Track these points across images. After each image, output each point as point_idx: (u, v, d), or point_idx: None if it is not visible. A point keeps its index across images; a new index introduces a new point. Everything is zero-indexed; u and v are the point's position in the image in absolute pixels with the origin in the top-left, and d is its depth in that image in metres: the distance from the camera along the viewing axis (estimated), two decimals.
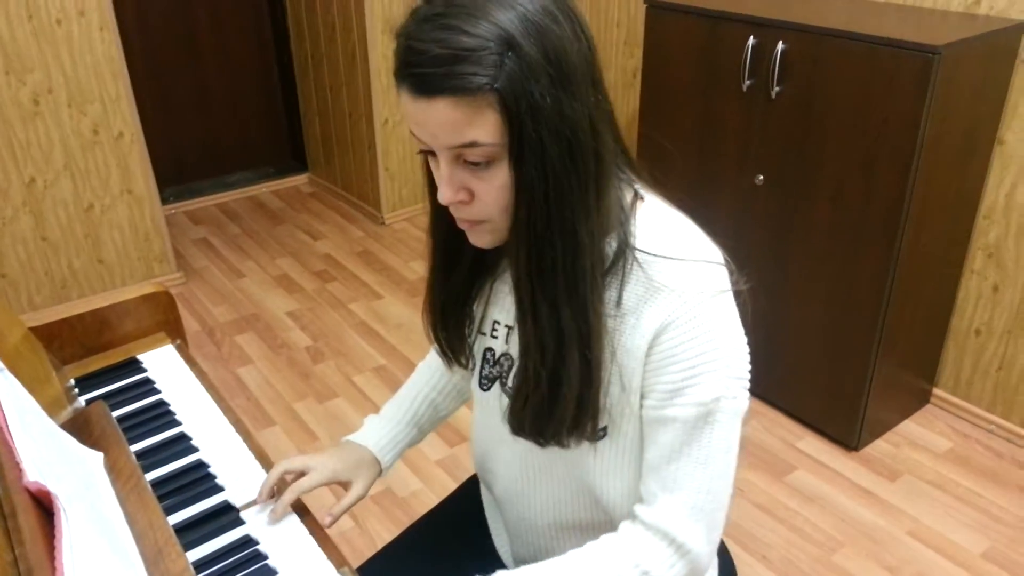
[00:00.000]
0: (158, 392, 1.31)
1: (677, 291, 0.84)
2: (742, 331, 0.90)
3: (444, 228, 0.94)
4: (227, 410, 1.27)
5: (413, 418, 1.19)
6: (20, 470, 0.67)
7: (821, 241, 2.13)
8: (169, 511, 1.05)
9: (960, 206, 2.14)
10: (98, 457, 0.95)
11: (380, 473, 1.14)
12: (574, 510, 1.04)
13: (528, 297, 0.85)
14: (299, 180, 4.24)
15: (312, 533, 1.04)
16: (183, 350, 1.43)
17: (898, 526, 2.07)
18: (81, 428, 1.01)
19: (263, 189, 4.14)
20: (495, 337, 1.01)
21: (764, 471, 2.26)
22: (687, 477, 0.87)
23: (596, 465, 0.96)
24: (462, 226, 0.88)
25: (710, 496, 0.88)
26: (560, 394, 0.88)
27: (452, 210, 0.86)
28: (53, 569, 0.57)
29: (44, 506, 0.67)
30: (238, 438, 1.21)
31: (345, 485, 1.11)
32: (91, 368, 1.36)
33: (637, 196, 0.91)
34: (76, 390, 1.31)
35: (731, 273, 0.90)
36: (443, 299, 1.01)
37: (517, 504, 1.09)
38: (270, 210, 3.95)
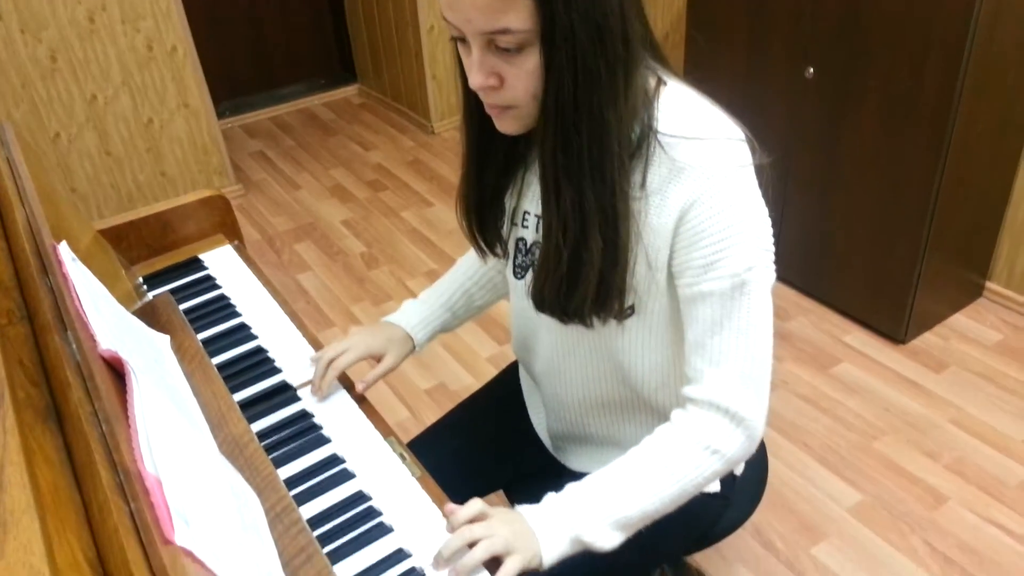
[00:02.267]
0: (219, 288, 1.40)
1: (700, 169, 0.87)
2: (764, 205, 0.92)
3: (477, 118, 0.97)
4: (282, 303, 1.36)
5: (447, 303, 1.26)
6: (94, 340, 0.75)
7: (871, 133, 2.10)
8: (231, 391, 1.15)
9: (1016, 95, 2.07)
10: (165, 339, 1.04)
11: (413, 349, 1.22)
12: (604, 388, 1.10)
13: (553, 180, 0.89)
14: (349, 91, 4.27)
15: (361, 407, 1.13)
16: (241, 250, 1.52)
17: (941, 415, 2.09)
18: (149, 316, 1.10)
19: (315, 101, 4.19)
20: (526, 227, 1.05)
21: (809, 364, 2.29)
22: (731, 347, 0.91)
23: (624, 342, 1.01)
24: (490, 112, 0.91)
25: (755, 363, 0.92)
26: (581, 273, 0.92)
27: (481, 95, 0.90)
28: (127, 418, 0.66)
29: (116, 372, 0.76)
30: (292, 326, 1.30)
31: (379, 358, 1.18)
32: (157, 267, 1.46)
33: (660, 81, 0.93)
34: (144, 287, 1.41)
35: (753, 150, 0.92)
36: (476, 190, 1.05)
37: (553, 382, 1.15)
38: (322, 122, 4.01)
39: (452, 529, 0.90)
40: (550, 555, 0.90)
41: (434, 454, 1.25)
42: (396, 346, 1.20)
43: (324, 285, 2.78)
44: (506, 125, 0.91)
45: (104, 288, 0.95)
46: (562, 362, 1.11)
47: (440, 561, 0.88)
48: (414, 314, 1.24)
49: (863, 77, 2.04)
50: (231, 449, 0.88)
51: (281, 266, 2.90)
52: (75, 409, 0.67)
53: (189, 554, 0.57)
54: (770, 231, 0.92)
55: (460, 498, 1.27)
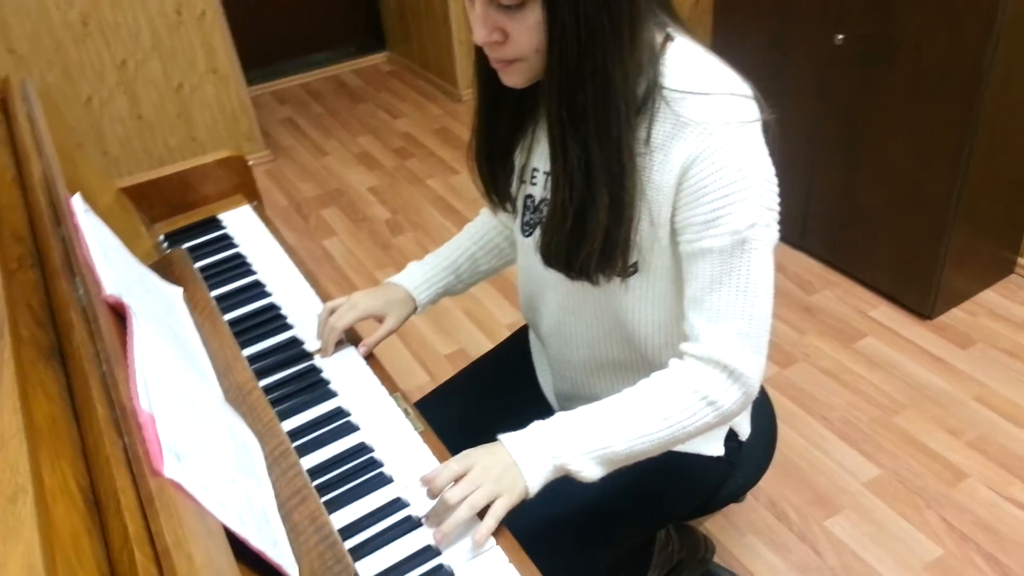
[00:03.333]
0: (236, 246, 1.42)
1: (703, 124, 0.87)
2: (771, 163, 0.91)
3: (485, 73, 0.97)
4: (298, 262, 1.37)
5: (451, 265, 1.26)
6: (100, 286, 0.77)
7: (900, 101, 2.05)
8: (244, 345, 1.18)
9: None
10: (178, 291, 1.07)
11: (415, 310, 1.23)
12: (608, 348, 1.10)
13: (560, 136, 0.89)
14: (378, 59, 4.28)
15: (368, 363, 1.14)
16: (259, 210, 1.54)
17: (965, 392, 2.06)
18: (164, 270, 1.13)
19: (344, 69, 4.21)
20: (534, 184, 1.06)
21: (832, 338, 2.26)
22: (729, 305, 0.91)
23: (628, 301, 1.02)
24: (496, 66, 0.91)
25: (753, 321, 0.92)
26: (587, 229, 0.92)
27: (487, 50, 0.90)
28: (127, 359, 0.68)
29: (121, 317, 0.78)
30: (307, 284, 1.31)
31: (380, 319, 1.20)
32: (177, 226, 1.49)
33: (668, 37, 0.92)
34: (164, 244, 1.44)
35: (760, 108, 0.91)
36: (487, 144, 1.06)
37: (558, 342, 1.16)
38: (351, 89, 4.02)
39: (433, 496, 0.91)
40: (534, 482, 0.91)
41: (441, 413, 1.26)
42: (397, 307, 1.21)
43: (349, 251, 2.81)
44: (511, 79, 0.92)
45: (118, 240, 0.98)
46: (567, 322, 1.12)
47: (431, 522, 0.90)
48: (417, 275, 1.25)
49: (893, 43, 1.99)
50: (235, 396, 0.90)
51: (308, 231, 2.94)
52: (77, 349, 0.69)
53: (178, 486, 0.59)
54: (774, 189, 0.91)
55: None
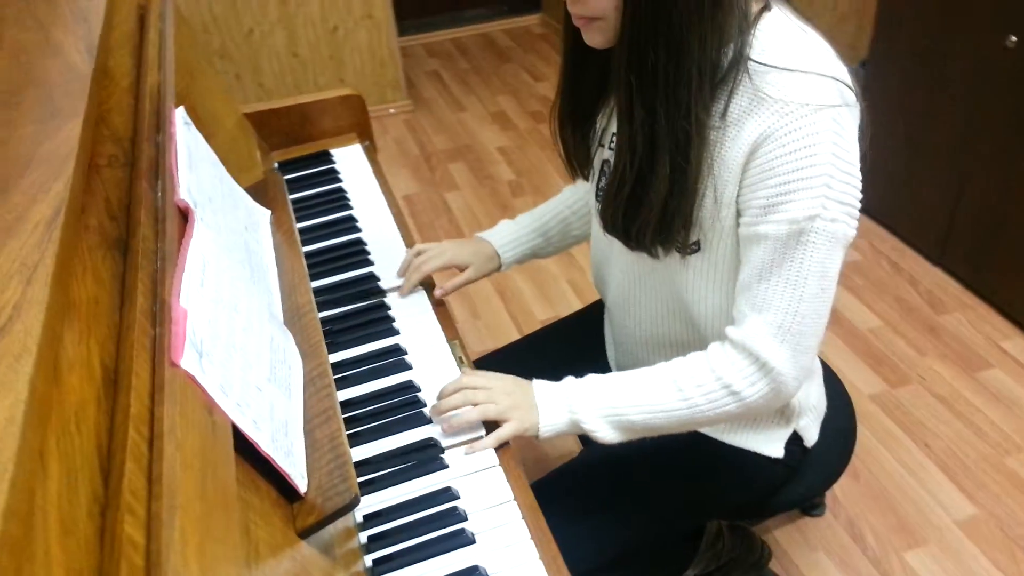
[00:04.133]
0: (340, 181, 1.48)
1: (780, 102, 0.82)
2: (855, 155, 0.86)
3: (572, 33, 0.96)
4: (392, 204, 1.41)
5: (541, 227, 1.26)
6: (175, 191, 0.82)
7: None
8: (326, 275, 1.23)
9: None
10: (266, 213, 1.12)
11: (499, 268, 1.24)
12: (669, 326, 1.07)
13: (626, 98, 0.87)
14: (531, 20, 4.28)
15: (435, 310, 1.16)
16: (369, 150, 1.59)
17: None
18: (260, 192, 1.19)
19: (496, 27, 4.24)
20: (612, 149, 1.03)
21: (954, 363, 2.10)
22: (775, 296, 0.88)
23: (689, 280, 0.98)
24: (577, 24, 0.90)
25: (798, 318, 0.88)
26: (645, 199, 0.90)
27: (569, 7, 0.89)
28: (179, 258, 0.72)
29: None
30: (395, 227, 1.35)
31: (462, 269, 1.21)
32: (291, 155, 1.56)
33: (766, 7, 0.87)
34: (276, 170, 1.51)
35: (850, 95, 0.85)
36: (570, 106, 1.05)
37: (622, 315, 1.14)
38: (499, 48, 4.05)
39: (455, 389, 0.96)
40: (547, 428, 0.96)
41: (501, 371, 1.27)
42: (481, 261, 1.22)
43: (468, 206, 2.85)
44: (592, 37, 0.90)
45: (214, 156, 1.03)
46: (631, 294, 1.10)
47: (436, 412, 0.97)
48: (506, 234, 1.25)
49: None
50: (291, 316, 0.94)
51: (432, 182, 3.00)
52: (139, 244, 0.74)
53: (192, 379, 0.63)
54: (852, 183, 0.85)
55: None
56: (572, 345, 1.32)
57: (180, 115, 0.98)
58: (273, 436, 0.72)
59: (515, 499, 0.89)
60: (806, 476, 1.19)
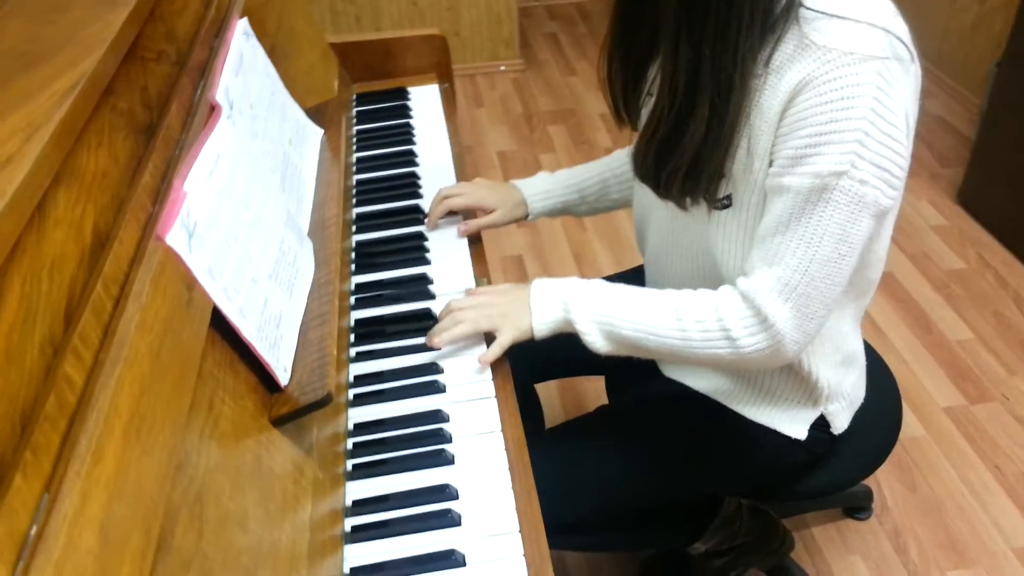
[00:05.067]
0: (410, 117, 1.50)
1: (823, 49, 0.79)
2: (900, 116, 0.80)
3: None
4: (455, 144, 1.43)
5: (578, 184, 1.24)
6: (213, 90, 0.87)
7: None
8: (376, 201, 1.26)
9: None
10: (318, 132, 1.16)
11: (526, 216, 1.23)
12: (697, 286, 1.04)
13: (673, 35, 0.85)
14: None
15: (471, 247, 1.18)
16: (446, 92, 1.61)
17: None
18: (323, 112, 1.23)
19: None
20: None
21: None
22: (788, 251, 0.85)
23: (718, 237, 0.96)
24: None
25: (806, 278, 0.85)
26: (680, 142, 0.88)
27: None
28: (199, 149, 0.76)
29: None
30: (452, 167, 1.36)
31: (488, 211, 1.21)
32: (370, 88, 1.60)
33: None
34: (354, 100, 1.55)
35: (904, 51, 0.80)
36: (622, 51, 1.02)
37: (654, 273, 1.12)
38: None
39: (445, 312, 0.98)
40: (540, 326, 0.97)
41: None
42: (508, 206, 1.22)
43: (560, 168, 2.84)
44: None
45: (272, 70, 1.07)
46: (664, 252, 1.08)
47: (429, 337, 0.99)
48: (539, 184, 1.25)
49: None
50: (316, 227, 0.97)
51: (529, 141, 3.01)
52: (163, 131, 0.78)
53: (175, 255, 0.66)
54: (894, 147, 0.80)
55: (539, 373, 1.31)
56: None
57: (241, 25, 1.02)
58: (260, 327, 0.76)
59: (502, 430, 0.89)
60: (832, 465, 1.14)
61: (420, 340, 1.00)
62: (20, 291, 0.54)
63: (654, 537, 1.28)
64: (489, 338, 0.99)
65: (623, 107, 1.06)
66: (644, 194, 1.06)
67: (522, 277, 2.33)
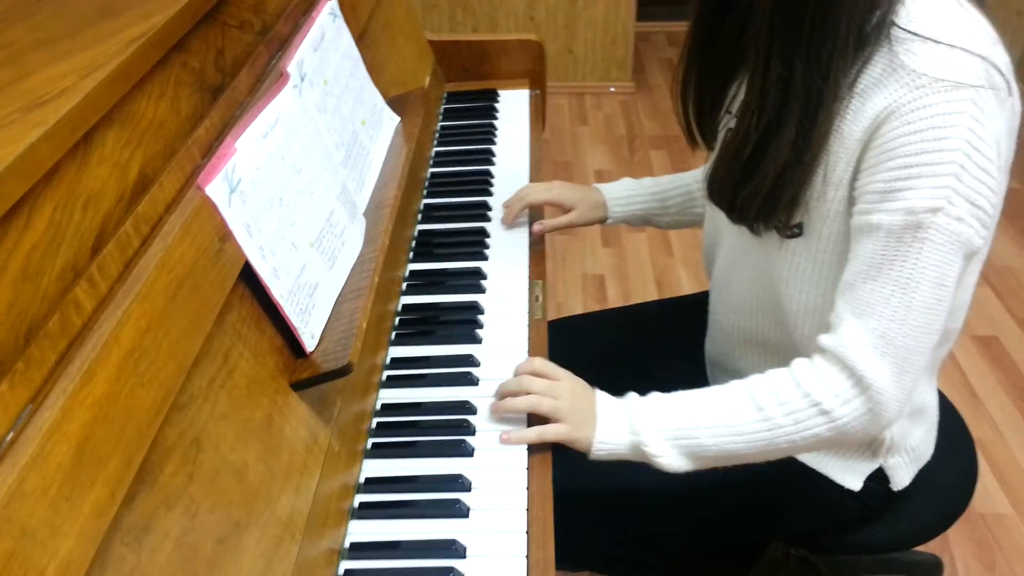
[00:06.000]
0: (495, 118, 1.51)
1: (914, 73, 0.74)
2: (994, 151, 0.75)
3: None
4: (535, 151, 1.42)
5: (661, 193, 1.21)
6: (287, 60, 0.89)
7: None
8: (438, 195, 1.27)
9: None
10: (394, 119, 1.17)
11: (604, 220, 1.21)
12: (757, 322, 1.00)
13: (765, 49, 0.81)
14: None
15: (531, 249, 1.16)
16: (535, 99, 1.60)
17: None
18: (406, 102, 1.24)
19: None
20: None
21: None
22: (881, 299, 0.79)
23: (785, 265, 0.91)
24: None
25: (904, 328, 0.78)
26: (762, 163, 0.84)
27: None
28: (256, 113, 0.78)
29: None
30: (528, 170, 1.35)
31: (566, 209, 1.19)
32: (462, 88, 1.61)
33: None
34: (444, 98, 1.57)
35: (1006, 84, 0.75)
36: (701, 66, 0.99)
37: (716, 300, 1.08)
38: None
39: (515, 373, 0.92)
40: (602, 448, 0.86)
41: (589, 335, 1.24)
42: (587, 207, 1.20)
43: None
44: None
45: (356, 54, 1.10)
46: (728, 279, 1.04)
47: (497, 405, 0.90)
48: (622, 189, 1.22)
49: None
50: (372, 206, 0.98)
51: (627, 163, 2.98)
52: (229, 92, 0.81)
53: (212, 206, 0.68)
54: (988, 182, 0.75)
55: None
56: (674, 326, 1.27)
57: (330, 5, 1.05)
58: (292, 290, 0.76)
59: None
60: (888, 523, 1.06)
61: (462, 331, 1.00)
62: (51, 216, 0.56)
63: (692, 571, 1.22)
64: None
65: (698, 126, 1.03)
66: (716, 215, 1.02)
67: (601, 298, 2.30)
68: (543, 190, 1.20)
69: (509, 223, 1.19)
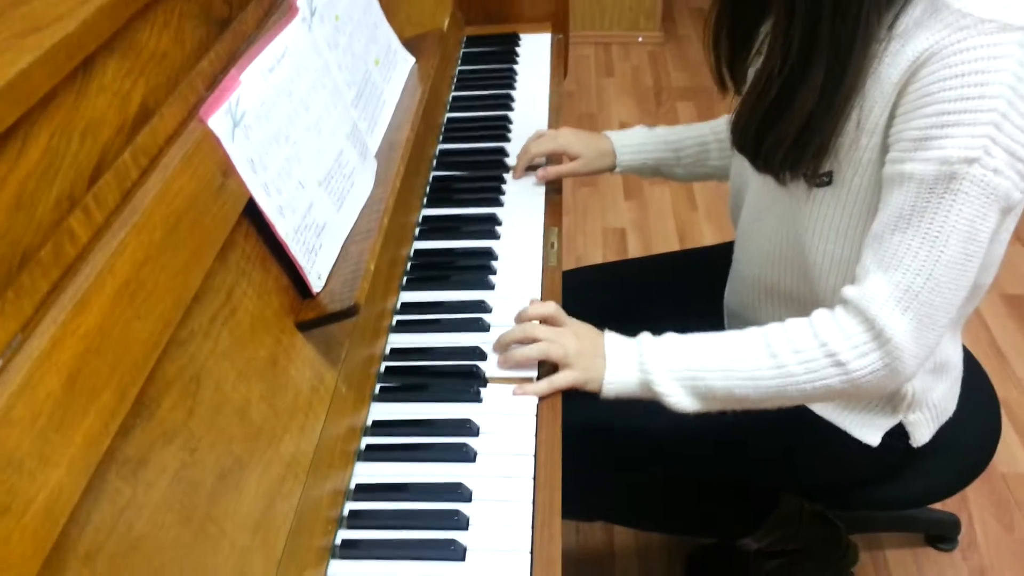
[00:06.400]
0: (515, 63, 1.47)
1: (958, 12, 0.70)
2: None
3: None
4: (554, 96, 1.38)
5: (675, 143, 1.18)
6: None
7: None
8: (455, 140, 1.24)
9: None
10: (409, 60, 1.15)
11: (613, 168, 1.17)
12: (780, 273, 0.97)
13: None
14: None
15: (548, 197, 1.14)
16: (558, 44, 1.56)
17: None
18: (421, 43, 1.21)
19: None
20: None
21: None
22: (908, 252, 0.76)
23: (811, 218, 0.88)
24: None
25: (930, 283, 0.76)
26: (788, 110, 0.81)
27: None
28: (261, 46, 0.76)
29: None
30: (547, 116, 1.32)
31: (572, 157, 1.16)
32: (482, 32, 1.57)
33: None
34: (463, 43, 1.53)
35: None
36: (732, 6, 0.95)
37: (739, 249, 1.06)
38: None
39: (518, 320, 0.90)
40: (612, 386, 0.85)
41: (607, 287, 1.22)
42: (594, 155, 1.17)
43: None
44: None
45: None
46: (751, 229, 1.01)
47: (497, 345, 0.89)
48: (633, 137, 1.19)
49: None
50: (384, 148, 0.96)
51: (654, 116, 2.92)
52: (236, 25, 0.79)
53: (215, 140, 0.66)
54: None
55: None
56: (693, 277, 1.24)
57: None
58: (298, 229, 0.75)
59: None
60: (906, 480, 1.04)
61: (474, 277, 0.98)
62: (47, 143, 0.55)
63: (703, 519, 1.21)
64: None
65: (728, 69, 0.99)
66: (742, 163, 0.99)
67: (622, 251, 2.27)
68: (547, 140, 1.17)
69: (517, 178, 1.16)
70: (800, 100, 0.80)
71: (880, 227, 0.78)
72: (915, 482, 1.05)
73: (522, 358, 0.87)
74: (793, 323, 0.84)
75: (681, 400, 0.85)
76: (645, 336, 0.88)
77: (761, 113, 0.84)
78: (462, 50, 1.51)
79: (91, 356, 0.49)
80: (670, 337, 0.87)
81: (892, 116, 0.77)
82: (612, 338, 0.88)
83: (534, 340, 0.86)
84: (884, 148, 0.79)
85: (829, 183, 0.85)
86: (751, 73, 0.96)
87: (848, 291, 0.81)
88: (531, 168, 1.17)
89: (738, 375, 0.83)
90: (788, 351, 0.82)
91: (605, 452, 1.00)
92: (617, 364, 0.85)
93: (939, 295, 0.76)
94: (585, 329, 0.89)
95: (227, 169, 0.67)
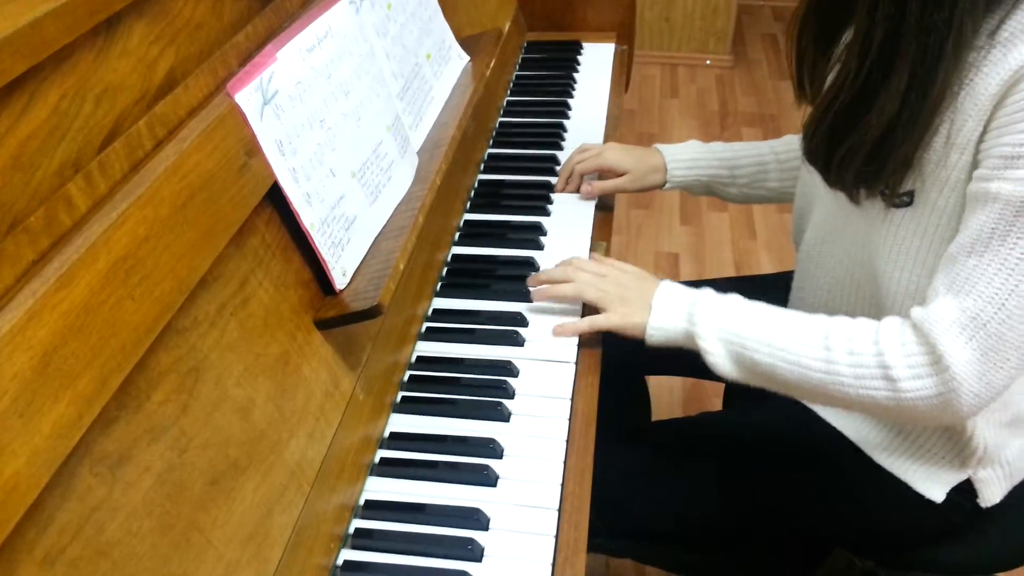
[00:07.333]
0: (576, 71, 1.41)
1: None
2: None
3: None
4: (613, 107, 1.32)
5: (731, 160, 1.10)
6: None
7: None
8: (506, 145, 1.19)
9: None
10: (463, 57, 1.10)
11: (663, 184, 1.10)
12: (850, 300, 0.90)
13: None
14: None
15: (597, 210, 1.08)
16: (621, 55, 1.50)
17: None
18: (478, 43, 1.16)
19: None
20: None
21: None
22: (982, 278, 0.69)
23: (888, 239, 0.80)
24: None
25: (1001, 313, 0.68)
26: (864, 117, 0.74)
27: None
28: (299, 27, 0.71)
29: None
30: (603, 127, 1.26)
31: (619, 174, 1.10)
32: (544, 38, 1.52)
33: None
34: (523, 47, 1.49)
35: None
36: (816, 11, 0.88)
37: (803, 275, 0.98)
38: None
39: (564, 264, 0.89)
40: (656, 332, 0.84)
41: None
42: (643, 170, 1.09)
43: None
44: None
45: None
46: (819, 253, 0.93)
47: (534, 280, 0.91)
48: (686, 152, 1.11)
49: None
50: (428, 145, 0.91)
51: (718, 139, 2.81)
52: (279, 2, 0.75)
53: (242, 116, 0.62)
54: None
55: (655, 366, 1.18)
56: (764, 292, 1.16)
57: None
58: (326, 221, 0.70)
59: (572, 399, 0.79)
60: (970, 542, 0.94)
61: (512, 287, 0.92)
62: (56, 104, 0.51)
63: (745, 569, 1.13)
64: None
65: (808, 77, 0.92)
66: (811, 179, 0.92)
67: (673, 277, 2.17)
68: (593, 157, 1.10)
69: (558, 192, 1.10)
70: (879, 107, 0.72)
71: (956, 248, 0.71)
72: (980, 546, 0.95)
73: (555, 294, 0.87)
74: (860, 323, 0.77)
75: (720, 360, 0.81)
76: (706, 289, 0.85)
77: (833, 119, 0.77)
78: (521, 55, 1.46)
79: (71, 335, 0.44)
80: (732, 298, 0.84)
81: (985, 131, 0.69)
82: (667, 285, 0.87)
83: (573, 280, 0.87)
84: (974, 166, 0.71)
85: (910, 203, 0.77)
86: (830, 79, 0.89)
87: (916, 311, 0.74)
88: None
89: (785, 356, 0.77)
90: (843, 349, 0.75)
91: (648, 492, 0.94)
92: (665, 310, 0.84)
93: (1010, 328, 0.68)
94: (630, 277, 0.88)
95: (252, 149, 0.62)
